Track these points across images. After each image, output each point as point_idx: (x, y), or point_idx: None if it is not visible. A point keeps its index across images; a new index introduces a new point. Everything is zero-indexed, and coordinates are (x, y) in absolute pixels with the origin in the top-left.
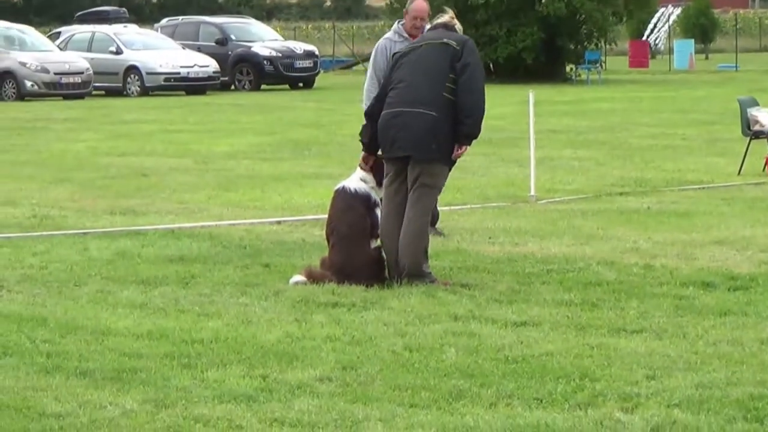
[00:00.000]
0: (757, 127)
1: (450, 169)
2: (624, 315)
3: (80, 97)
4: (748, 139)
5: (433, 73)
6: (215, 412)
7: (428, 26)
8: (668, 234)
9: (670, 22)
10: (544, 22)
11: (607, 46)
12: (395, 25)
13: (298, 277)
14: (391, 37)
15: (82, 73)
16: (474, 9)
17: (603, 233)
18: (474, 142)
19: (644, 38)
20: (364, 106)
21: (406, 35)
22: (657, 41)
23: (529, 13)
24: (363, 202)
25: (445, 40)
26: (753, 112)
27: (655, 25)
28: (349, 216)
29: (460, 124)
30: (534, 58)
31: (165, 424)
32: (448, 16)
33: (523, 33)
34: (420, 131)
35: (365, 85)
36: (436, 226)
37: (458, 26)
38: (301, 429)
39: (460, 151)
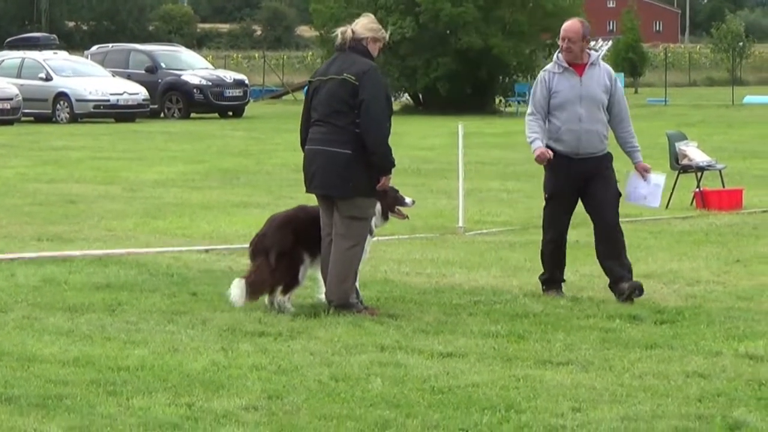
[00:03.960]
0: (685, 162)
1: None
2: (550, 347)
3: (9, 123)
4: (677, 173)
5: (342, 110)
6: None
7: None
8: (595, 267)
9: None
10: (465, 54)
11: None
12: (555, 55)
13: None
14: (550, 68)
15: (12, 99)
16: (398, 43)
17: (531, 265)
18: (394, 170)
19: None
20: (528, 140)
21: (565, 64)
22: None
23: (447, 47)
24: None
25: (344, 75)
26: (681, 146)
27: None
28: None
29: (370, 160)
30: (455, 90)
31: None
32: (341, 33)
33: (437, 62)
34: (335, 171)
35: (526, 119)
36: None
37: (358, 32)
38: None
39: (382, 182)
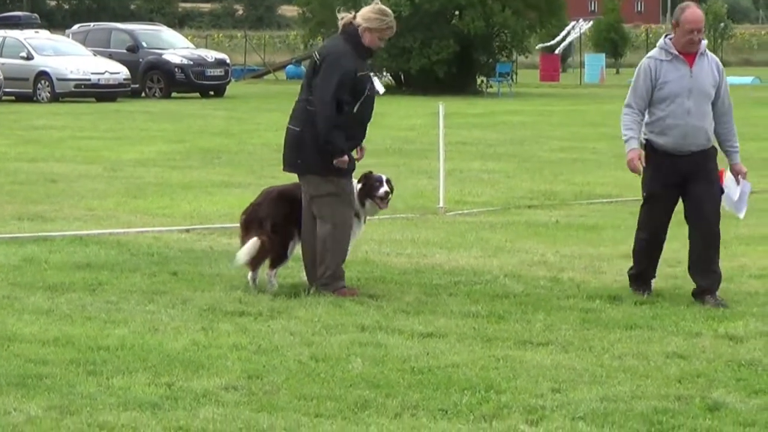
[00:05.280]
0: None
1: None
2: (530, 327)
3: None
4: None
5: (305, 87)
6: (120, 419)
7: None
8: (576, 247)
9: (579, 34)
10: (460, 35)
11: (521, 56)
12: (661, 41)
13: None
14: (655, 56)
15: None
16: None
17: (511, 246)
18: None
19: (548, 48)
20: (623, 137)
21: (675, 52)
22: (564, 50)
23: (443, 27)
24: None
25: (315, 52)
26: None
27: (564, 39)
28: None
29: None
30: (446, 71)
31: (69, 431)
32: (348, 17)
33: (438, 46)
34: (289, 148)
35: (622, 110)
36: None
37: (357, 19)
38: None
39: (335, 161)
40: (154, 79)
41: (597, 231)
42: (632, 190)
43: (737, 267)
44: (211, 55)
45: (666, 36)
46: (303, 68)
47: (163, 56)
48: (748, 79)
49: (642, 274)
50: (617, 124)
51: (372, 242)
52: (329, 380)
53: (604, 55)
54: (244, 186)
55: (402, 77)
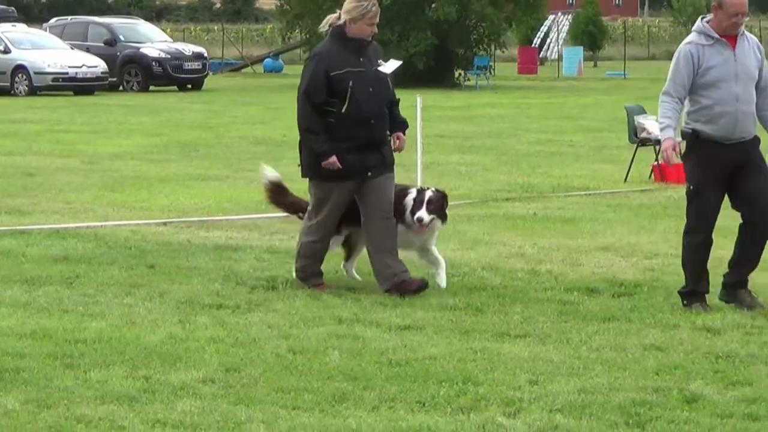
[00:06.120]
0: (643, 135)
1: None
2: (508, 320)
3: None
4: (635, 146)
5: None
6: (97, 412)
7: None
8: (554, 240)
9: (562, 33)
10: (436, 26)
11: (498, 51)
12: (699, 24)
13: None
14: (695, 41)
15: None
16: None
17: (489, 238)
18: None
19: (533, 44)
20: (660, 125)
21: (716, 35)
22: (550, 53)
23: (420, 18)
24: None
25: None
26: (640, 119)
27: (546, 34)
28: None
29: None
30: (424, 63)
31: (47, 424)
32: (334, 16)
33: (415, 38)
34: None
35: (660, 97)
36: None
37: (342, 15)
38: (184, 430)
39: (323, 163)
40: (131, 72)
41: (574, 223)
42: (610, 183)
43: (714, 259)
44: (188, 48)
45: (702, 19)
46: (281, 62)
47: (141, 50)
48: None
49: (697, 289)
50: (595, 117)
51: None
52: (307, 373)
53: (581, 48)
54: (221, 179)
55: None
